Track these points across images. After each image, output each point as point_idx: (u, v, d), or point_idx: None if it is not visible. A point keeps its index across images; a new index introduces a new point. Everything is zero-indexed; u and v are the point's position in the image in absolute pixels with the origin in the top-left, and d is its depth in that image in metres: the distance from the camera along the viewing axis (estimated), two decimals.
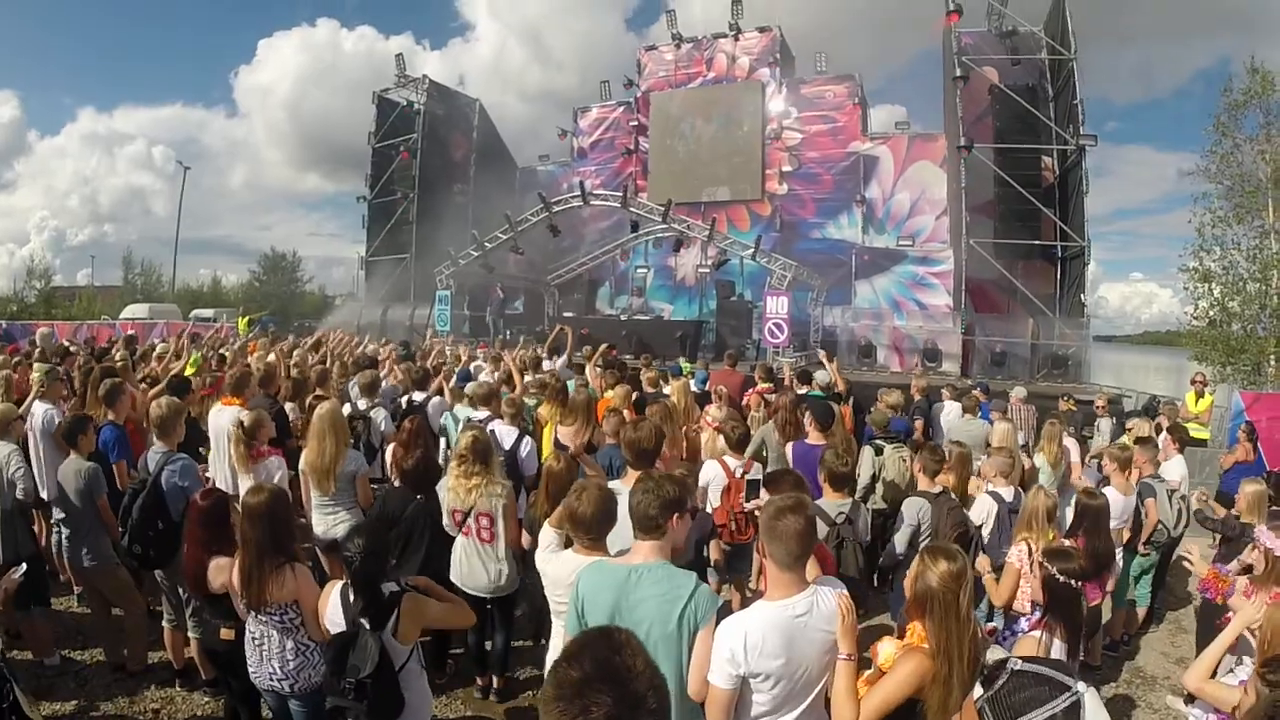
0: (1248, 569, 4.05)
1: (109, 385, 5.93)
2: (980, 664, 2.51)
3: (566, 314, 22.90)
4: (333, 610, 3.14)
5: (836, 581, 2.79)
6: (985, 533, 5.50)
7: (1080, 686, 1.77)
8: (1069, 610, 3.13)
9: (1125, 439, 7.64)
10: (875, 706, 2.53)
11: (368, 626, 2.99)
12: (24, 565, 4.16)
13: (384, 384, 8.02)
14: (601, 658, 1.29)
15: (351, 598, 3.08)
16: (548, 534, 3.47)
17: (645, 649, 1.35)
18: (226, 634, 3.77)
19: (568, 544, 3.37)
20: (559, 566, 3.24)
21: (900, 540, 4.78)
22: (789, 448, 5.92)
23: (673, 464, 5.36)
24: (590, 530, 3.13)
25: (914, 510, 4.83)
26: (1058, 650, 3.03)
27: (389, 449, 5.83)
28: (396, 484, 5.11)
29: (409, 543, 4.67)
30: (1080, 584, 3.15)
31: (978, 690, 1.92)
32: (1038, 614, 3.41)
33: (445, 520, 4.61)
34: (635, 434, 4.05)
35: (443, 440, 6.39)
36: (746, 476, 5.56)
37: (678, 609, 2.60)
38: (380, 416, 6.66)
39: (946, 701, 2.44)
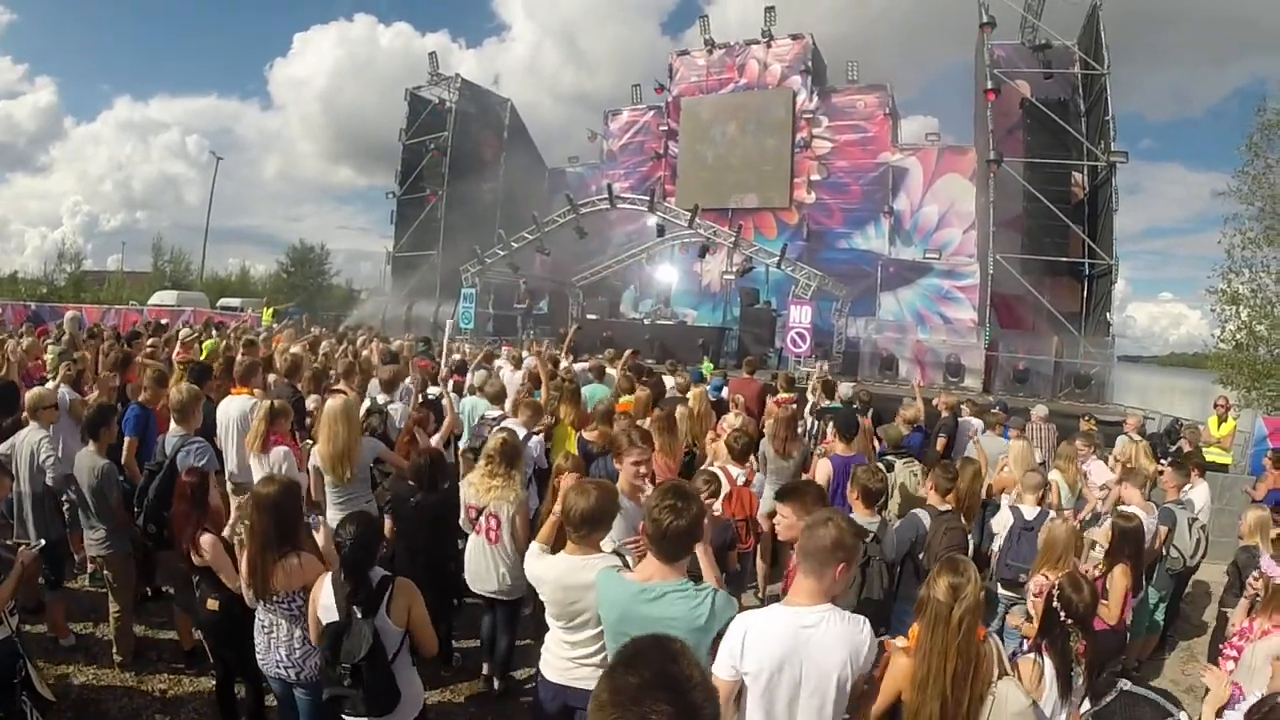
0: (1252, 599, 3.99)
1: (155, 370, 6.07)
2: (986, 684, 2.51)
3: (590, 316, 22.96)
4: (325, 597, 3.18)
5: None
6: (996, 544, 5.51)
7: (1183, 716, 1.80)
8: (1056, 640, 3.10)
9: (1127, 452, 7.64)
10: (873, 713, 2.57)
11: (359, 614, 3.04)
12: (42, 541, 4.28)
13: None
14: (659, 665, 1.26)
15: (342, 582, 3.14)
16: (534, 548, 3.43)
17: (698, 659, 1.33)
18: (212, 604, 3.85)
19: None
20: (540, 567, 3.27)
21: (896, 543, 4.69)
22: (828, 461, 5.89)
23: (667, 475, 5.32)
24: (579, 527, 3.11)
25: (915, 522, 4.78)
26: (1049, 673, 3.00)
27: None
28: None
29: (412, 539, 4.76)
30: (1071, 622, 3.11)
31: (1085, 705, 1.93)
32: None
33: (461, 517, 4.66)
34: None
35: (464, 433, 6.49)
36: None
37: (697, 629, 2.60)
38: (399, 412, 6.73)
39: (921, 708, 2.46)
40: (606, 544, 3.41)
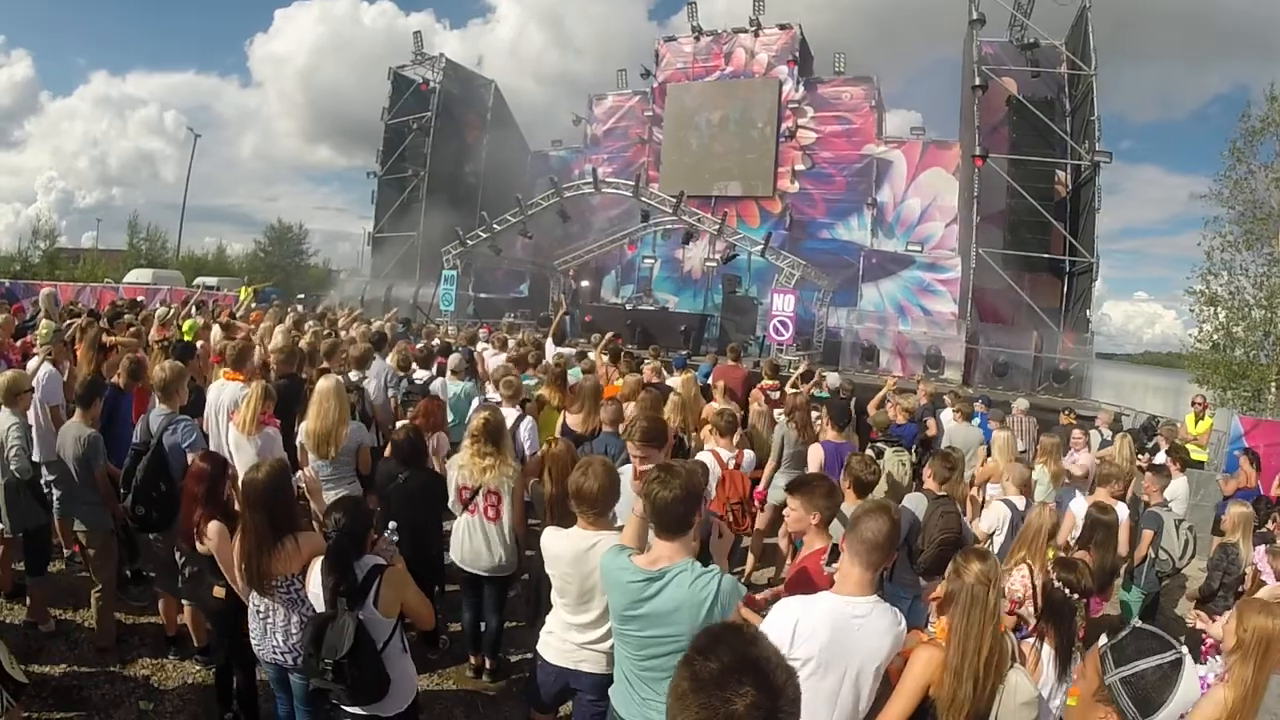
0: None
1: (131, 362, 5.94)
2: (1005, 669, 2.56)
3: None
4: (314, 585, 3.13)
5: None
6: (998, 541, 5.52)
7: (1184, 650, 1.86)
8: (1061, 619, 3.14)
9: (1112, 450, 7.69)
10: (898, 712, 2.57)
11: (346, 605, 2.97)
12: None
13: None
14: (738, 649, 1.26)
15: (329, 575, 3.06)
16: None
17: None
18: (219, 591, 3.78)
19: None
20: (555, 542, 3.21)
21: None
22: (820, 447, 5.89)
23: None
24: (595, 505, 3.11)
25: (908, 509, 4.81)
26: (1047, 657, 3.04)
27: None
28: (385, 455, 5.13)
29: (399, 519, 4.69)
30: (1078, 597, 3.16)
31: (1102, 639, 1.98)
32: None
33: (451, 498, 4.60)
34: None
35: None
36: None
37: (703, 610, 2.56)
38: (372, 388, 6.71)
39: (956, 692, 2.48)
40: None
